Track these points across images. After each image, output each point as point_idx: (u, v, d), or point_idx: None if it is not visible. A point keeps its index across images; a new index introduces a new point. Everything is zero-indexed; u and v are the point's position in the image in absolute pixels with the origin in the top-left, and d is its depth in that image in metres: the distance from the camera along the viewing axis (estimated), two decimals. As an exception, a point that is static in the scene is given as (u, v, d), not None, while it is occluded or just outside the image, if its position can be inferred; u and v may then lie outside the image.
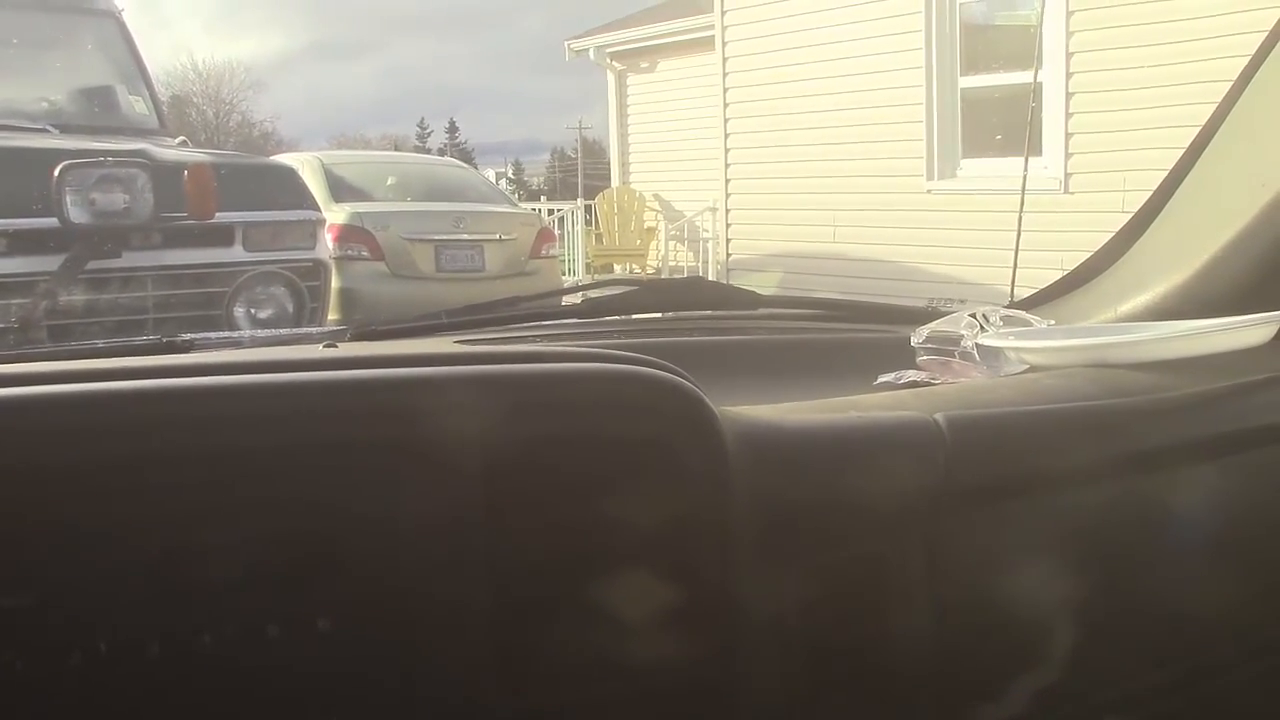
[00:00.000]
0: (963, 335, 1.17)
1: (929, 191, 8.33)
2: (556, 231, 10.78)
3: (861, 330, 1.42)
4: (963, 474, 0.83)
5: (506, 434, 0.66)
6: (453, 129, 49.34)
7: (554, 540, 0.68)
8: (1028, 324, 1.23)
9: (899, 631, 0.82)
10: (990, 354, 1.15)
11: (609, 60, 12.54)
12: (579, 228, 12.18)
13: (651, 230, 12.01)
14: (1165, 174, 1.31)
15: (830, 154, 8.77)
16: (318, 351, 0.82)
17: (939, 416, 0.83)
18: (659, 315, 1.40)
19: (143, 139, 4.54)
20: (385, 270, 7.72)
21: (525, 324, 1.26)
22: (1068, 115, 7.40)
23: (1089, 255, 1.37)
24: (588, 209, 12.51)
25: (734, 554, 0.72)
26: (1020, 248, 1.70)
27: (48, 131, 4.52)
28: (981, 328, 1.17)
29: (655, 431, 0.69)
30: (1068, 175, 7.42)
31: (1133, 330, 1.17)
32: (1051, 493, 0.91)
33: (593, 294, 1.29)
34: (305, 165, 7.81)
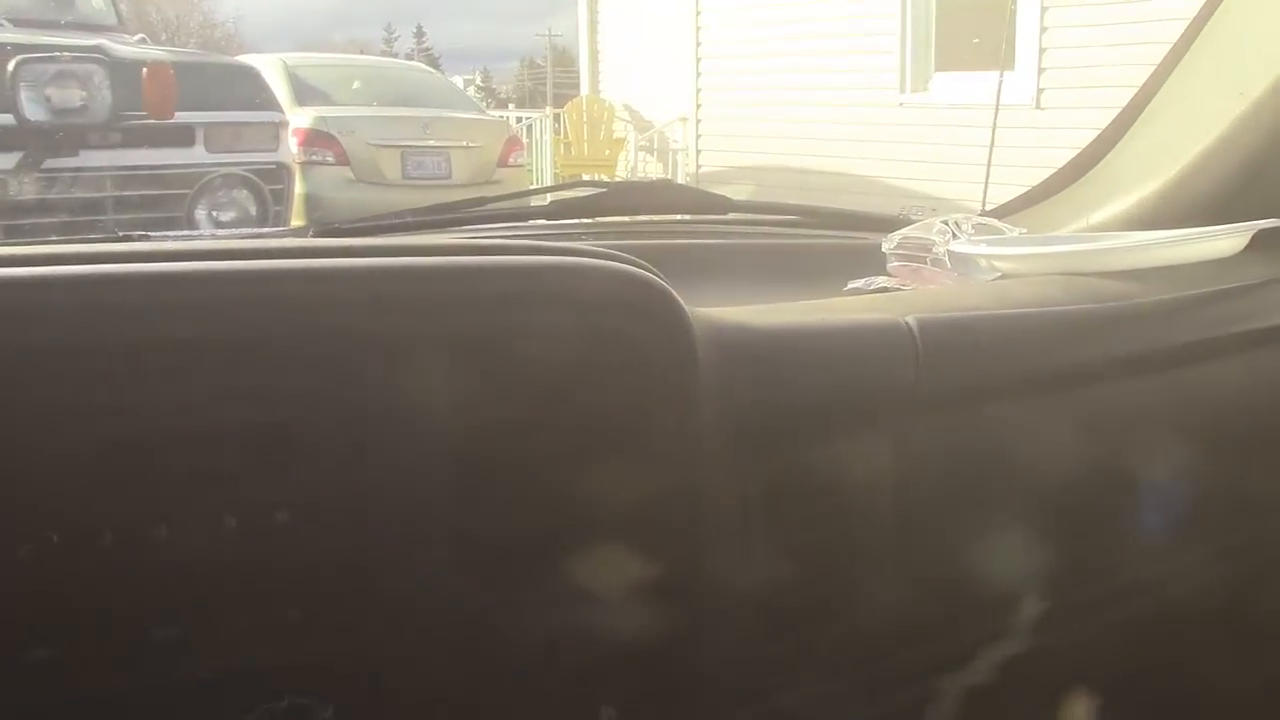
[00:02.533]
0: (934, 242, 1.15)
1: (901, 105, 8.28)
2: (524, 140, 10.65)
3: (833, 236, 1.41)
4: (933, 377, 0.82)
5: (470, 325, 0.65)
6: (420, 34, 48.51)
7: (516, 432, 0.66)
8: (1000, 232, 1.22)
9: (864, 534, 0.82)
10: (961, 261, 1.14)
11: (580, -35, 12.31)
12: (547, 137, 12.04)
13: (620, 140, 11.88)
14: (1132, 91, 1.29)
15: (803, 64, 8.69)
16: (276, 241, 0.80)
17: (910, 319, 0.82)
18: (627, 219, 1.38)
19: (100, 35, 4.42)
20: (350, 176, 7.61)
21: (491, 224, 1.24)
22: (1041, 30, 7.34)
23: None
24: (556, 118, 12.36)
25: (699, 452, 0.71)
26: (993, 162, 1.68)
27: (1, 25, 4.40)
28: (954, 235, 1.16)
29: (621, 325, 0.68)
30: (1040, 91, 7.38)
31: (1105, 239, 1.16)
32: (1022, 397, 0.90)
33: (561, 196, 1.27)
34: (269, 67, 7.65)
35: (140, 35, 5.19)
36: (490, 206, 1.25)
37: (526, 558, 0.68)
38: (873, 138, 8.27)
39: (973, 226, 1.21)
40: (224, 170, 4.25)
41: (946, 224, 1.17)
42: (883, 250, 1.19)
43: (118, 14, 5.20)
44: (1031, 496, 0.90)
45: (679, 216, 1.41)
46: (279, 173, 4.46)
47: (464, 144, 8.08)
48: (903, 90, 8.30)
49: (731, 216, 1.39)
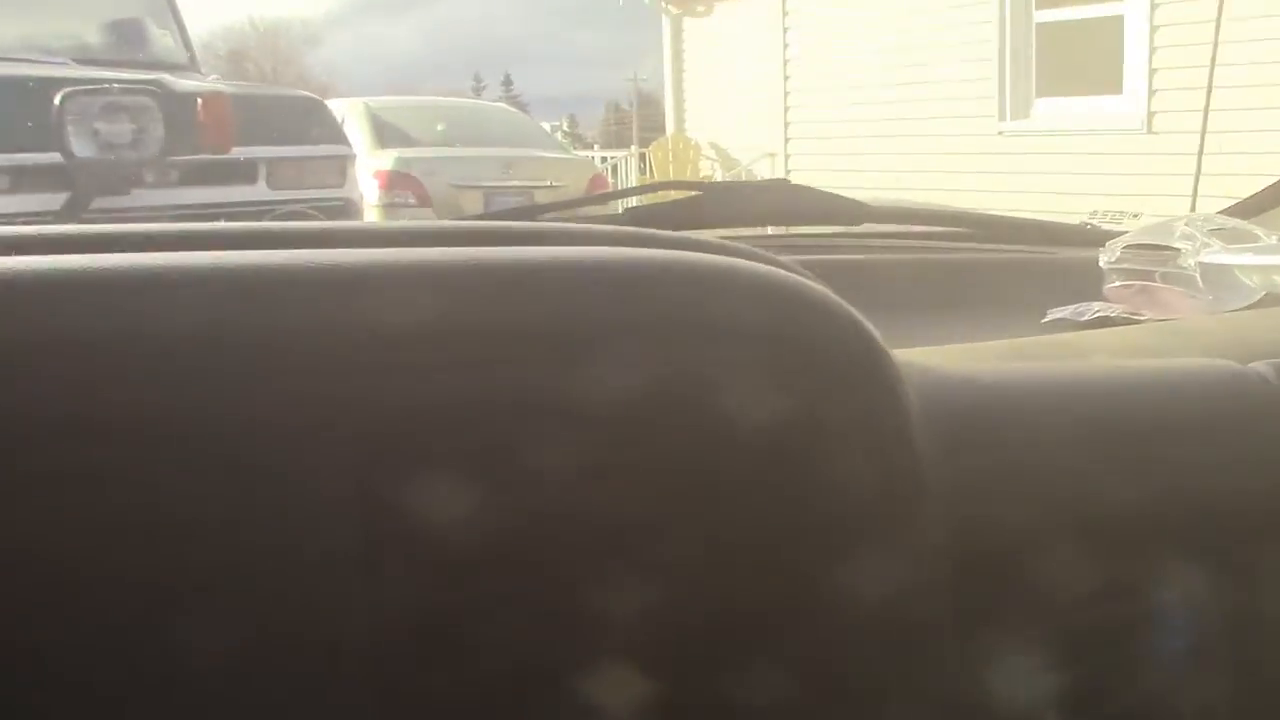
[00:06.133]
0: (1179, 250, 0.81)
1: (1000, 133, 7.92)
2: (610, 180, 10.47)
3: (998, 251, 1.08)
4: None
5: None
6: (508, 83, 48.98)
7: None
8: (1256, 239, 0.87)
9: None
10: (1217, 275, 0.80)
11: (664, 4, 12.14)
12: (633, 176, 11.86)
13: (707, 178, 11.66)
14: (1250, 112, 0.95)
15: (895, 95, 8.38)
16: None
17: (1260, 366, 0.48)
18: (727, 231, 1.07)
19: (171, 75, 4.24)
20: (433, 218, 7.45)
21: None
22: (1151, 50, 6.94)
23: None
24: (641, 157, 12.18)
25: (922, 567, 0.40)
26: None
27: (65, 64, 4.23)
28: (1205, 243, 0.82)
29: (820, 368, 0.39)
30: (1151, 114, 6.96)
31: None
32: None
33: (648, 199, 0.96)
34: (351, 109, 7.58)
35: (215, 75, 5.03)
36: (581, 210, 0.95)
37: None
38: (970, 168, 7.91)
39: (1211, 232, 0.87)
40: (288, 207, 4.02)
41: (1189, 226, 0.83)
42: (1100, 265, 0.85)
43: (189, 52, 5.03)
44: None
45: (798, 230, 1.09)
46: (346, 209, 4.21)
47: (547, 183, 7.89)
48: (1002, 118, 7.94)
49: (866, 228, 1.07)
